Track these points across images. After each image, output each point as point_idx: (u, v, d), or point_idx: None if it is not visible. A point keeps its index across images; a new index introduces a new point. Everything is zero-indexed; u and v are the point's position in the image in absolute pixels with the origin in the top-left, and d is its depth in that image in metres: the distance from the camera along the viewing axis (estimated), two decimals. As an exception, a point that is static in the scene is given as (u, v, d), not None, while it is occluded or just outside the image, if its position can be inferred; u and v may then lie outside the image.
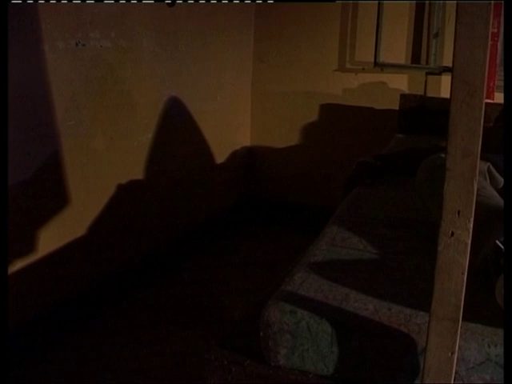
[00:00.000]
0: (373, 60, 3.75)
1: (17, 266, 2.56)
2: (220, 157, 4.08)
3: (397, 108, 3.57)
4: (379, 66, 3.76)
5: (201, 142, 3.84)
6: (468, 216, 0.99)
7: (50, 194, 2.72)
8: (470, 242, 1.01)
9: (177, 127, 3.57)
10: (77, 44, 2.73)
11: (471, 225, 1.00)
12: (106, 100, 2.97)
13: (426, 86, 3.72)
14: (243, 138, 4.35)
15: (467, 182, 0.98)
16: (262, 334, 1.33)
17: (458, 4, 0.95)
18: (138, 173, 3.30)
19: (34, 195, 2.62)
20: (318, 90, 4.07)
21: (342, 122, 4.04)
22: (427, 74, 3.72)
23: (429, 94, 3.67)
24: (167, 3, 3.30)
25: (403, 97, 3.55)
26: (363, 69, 3.88)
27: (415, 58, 3.80)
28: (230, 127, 4.19)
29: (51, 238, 2.74)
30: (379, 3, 3.65)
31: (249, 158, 4.41)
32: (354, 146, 3.94)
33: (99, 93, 2.92)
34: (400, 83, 3.79)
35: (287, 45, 4.11)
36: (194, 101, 3.68)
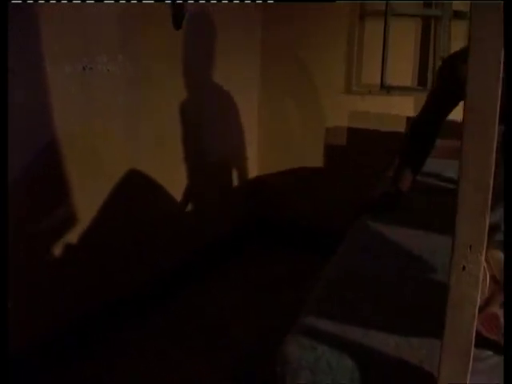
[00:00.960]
0: (379, 82, 3.75)
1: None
2: (228, 177, 4.09)
3: (403, 130, 3.56)
4: (386, 88, 3.76)
5: (208, 164, 3.84)
6: (479, 250, 0.98)
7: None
8: (481, 275, 0.99)
9: (184, 151, 3.57)
10: (84, 68, 2.74)
11: (483, 258, 0.99)
12: (114, 123, 2.98)
13: (432, 108, 3.72)
14: (250, 161, 4.35)
15: (479, 217, 0.97)
16: (279, 369, 1.29)
17: (470, 37, 0.95)
18: (146, 193, 3.30)
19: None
20: (325, 112, 4.07)
21: (348, 144, 4.04)
22: (433, 96, 3.72)
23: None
24: (173, 26, 3.32)
25: (409, 120, 3.53)
26: (370, 91, 3.89)
27: (421, 80, 3.80)
28: (238, 149, 4.20)
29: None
30: (385, 24, 3.66)
31: (257, 181, 4.41)
32: (361, 168, 3.93)
33: (108, 115, 2.94)
34: (406, 105, 3.78)
35: (294, 66, 4.12)
36: (200, 124, 3.69)
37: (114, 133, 3.01)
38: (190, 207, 3.67)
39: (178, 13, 3.32)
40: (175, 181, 3.52)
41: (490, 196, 0.96)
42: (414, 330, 1.33)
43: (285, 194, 4.37)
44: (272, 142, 4.34)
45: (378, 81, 3.75)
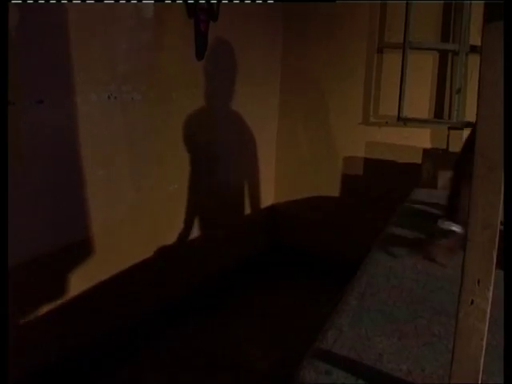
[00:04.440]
0: (396, 114, 3.81)
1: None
2: (245, 207, 4.15)
3: (419, 162, 3.61)
4: (402, 120, 3.81)
5: (225, 190, 3.90)
6: (487, 285, 1.03)
7: (77, 241, 2.79)
8: (489, 309, 1.04)
9: (202, 179, 3.64)
10: (109, 97, 2.82)
11: (490, 294, 1.03)
12: (136, 151, 3.06)
13: (448, 140, 3.77)
14: (267, 189, 4.41)
15: (487, 253, 1.02)
16: (294, 393, 1.34)
17: (479, 82, 1.00)
18: (165, 222, 3.37)
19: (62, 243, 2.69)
20: (342, 142, 4.14)
21: (365, 174, 4.09)
22: (449, 128, 3.77)
23: (451, 149, 3.71)
24: (197, 57, 3.41)
25: (426, 151, 3.58)
26: (386, 122, 3.95)
27: (438, 112, 3.85)
28: (255, 177, 4.26)
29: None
30: (403, 57, 3.72)
31: (272, 208, 4.47)
32: (376, 199, 3.98)
33: (130, 143, 3.01)
34: (423, 137, 3.84)
35: (312, 97, 4.20)
36: (218, 151, 3.76)
37: (136, 159, 3.08)
38: (205, 233, 3.73)
39: (201, 44, 3.42)
40: (192, 206, 3.58)
41: (498, 234, 1.02)
42: (427, 356, 1.37)
43: (300, 222, 4.42)
44: (289, 170, 4.40)
45: (395, 112, 3.81)
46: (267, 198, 4.44)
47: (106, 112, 2.84)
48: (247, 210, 4.20)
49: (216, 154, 3.74)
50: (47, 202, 2.58)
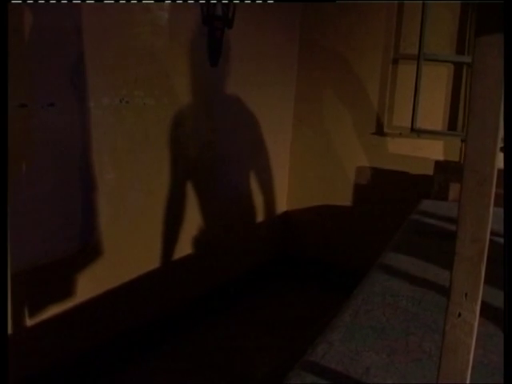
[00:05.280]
0: (410, 125, 3.80)
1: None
2: (257, 214, 4.16)
3: (431, 174, 3.60)
4: (416, 131, 3.81)
5: (237, 197, 3.91)
6: (475, 298, 1.02)
7: (87, 247, 2.81)
8: (476, 323, 1.04)
9: (214, 185, 3.65)
10: (121, 101, 2.84)
11: (478, 307, 1.03)
12: (147, 155, 3.08)
13: (461, 153, 3.75)
14: (280, 196, 4.42)
15: (475, 266, 1.01)
16: (282, 402, 1.34)
17: (470, 95, 1.00)
18: (176, 227, 3.38)
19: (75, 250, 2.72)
20: (355, 151, 4.13)
21: (377, 184, 4.08)
22: (463, 141, 3.75)
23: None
24: (210, 63, 3.43)
25: (438, 163, 3.57)
26: (400, 133, 3.94)
27: (452, 124, 3.84)
28: (268, 184, 4.27)
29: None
30: (418, 69, 3.72)
31: (285, 216, 4.47)
32: (388, 209, 3.98)
33: (140, 148, 3.03)
34: (436, 149, 3.83)
35: (327, 106, 4.20)
36: (231, 159, 3.77)
37: (146, 164, 3.10)
38: (217, 239, 3.74)
39: (215, 51, 3.44)
40: (204, 212, 3.59)
41: (486, 248, 1.01)
42: (414, 373, 1.37)
43: (312, 231, 4.41)
44: (302, 178, 4.40)
45: (409, 124, 3.80)
46: (280, 206, 4.44)
47: (117, 116, 2.85)
48: (260, 217, 4.21)
49: (229, 159, 3.75)
50: (58, 205, 2.60)
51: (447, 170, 3.48)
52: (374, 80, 4.00)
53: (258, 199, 4.17)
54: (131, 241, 3.06)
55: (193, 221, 3.52)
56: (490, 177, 1.00)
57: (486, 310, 1.30)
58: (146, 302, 3.21)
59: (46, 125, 2.48)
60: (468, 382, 1.06)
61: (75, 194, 2.70)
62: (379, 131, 4.02)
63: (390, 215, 3.90)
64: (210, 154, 3.56)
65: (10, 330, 2.41)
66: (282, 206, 4.47)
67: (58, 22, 2.45)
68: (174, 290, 3.43)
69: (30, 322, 2.55)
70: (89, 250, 2.82)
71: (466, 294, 1.03)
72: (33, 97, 2.40)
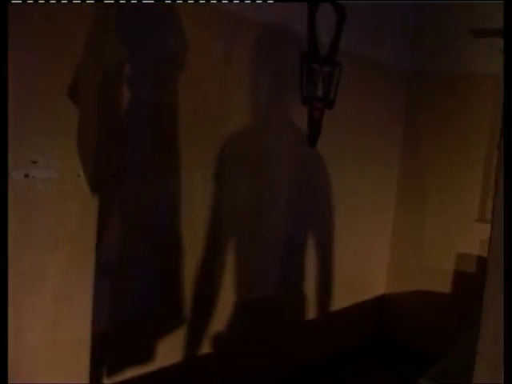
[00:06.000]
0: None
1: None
2: (355, 292, 4.11)
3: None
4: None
5: (335, 281, 3.88)
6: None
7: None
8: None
9: (312, 264, 3.65)
10: (216, 176, 2.93)
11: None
12: (237, 233, 3.13)
13: None
14: (379, 278, 4.34)
15: (495, 369, 0.96)
16: None
17: (496, 191, 0.97)
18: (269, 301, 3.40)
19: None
20: (457, 237, 4.01)
21: (478, 273, 3.92)
22: None
23: None
24: (309, 144, 3.47)
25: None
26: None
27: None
28: (366, 266, 4.22)
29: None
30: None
31: (383, 299, 4.38)
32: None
33: (231, 225, 3.10)
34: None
35: (429, 192, 4.13)
36: (329, 239, 3.77)
37: (238, 244, 3.16)
38: (314, 315, 3.71)
39: (314, 131, 3.49)
40: (301, 292, 3.58)
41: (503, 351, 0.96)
42: None
43: (410, 316, 4.28)
44: (402, 261, 4.31)
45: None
46: (378, 288, 4.36)
47: (208, 191, 2.93)
48: (355, 298, 4.14)
49: (327, 239, 3.74)
50: (143, 268, 2.69)
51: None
52: (479, 164, 3.91)
53: (358, 279, 4.12)
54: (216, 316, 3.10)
55: (295, 298, 3.54)
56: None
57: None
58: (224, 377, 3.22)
59: (136, 194, 2.60)
60: None
61: (158, 260, 2.78)
62: (482, 218, 3.89)
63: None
64: (305, 234, 3.57)
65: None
66: (381, 288, 4.38)
67: (151, 99, 2.59)
68: (261, 366, 3.41)
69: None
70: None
71: (487, 395, 0.98)
72: (123, 167, 2.53)
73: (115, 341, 2.61)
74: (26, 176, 2.18)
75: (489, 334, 0.96)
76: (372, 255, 4.27)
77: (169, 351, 2.86)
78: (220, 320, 3.12)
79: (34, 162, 2.20)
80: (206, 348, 3.06)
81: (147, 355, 2.77)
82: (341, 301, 4.01)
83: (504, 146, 0.98)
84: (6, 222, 1.32)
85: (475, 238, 3.92)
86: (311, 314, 3.74)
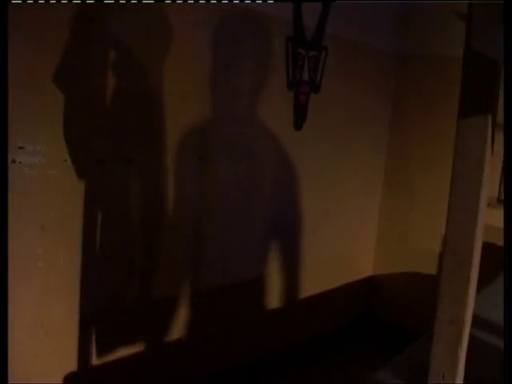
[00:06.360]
0: (496, 195, 3.71)
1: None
2: (341, 273, 4.17)
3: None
4: (502, 201, 3.70)
5: (322, 262, 3.93)
6: (452, 380, 1.02)
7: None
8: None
9: (301, 244, 3.70)
10: (200, 158, 2.97)
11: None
12: (224, 215, 3.18)
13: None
14: (366, 259, 4.40)
15: (452, 349, 1.01)
16: None
17: (451, 176, 1.01)
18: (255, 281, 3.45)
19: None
20: (443, 220, 4.04)
21: (463, 254, 3.98)
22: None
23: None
24: (295, 127, 3.51)
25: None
26: (488, 204, 3.83)
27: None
28: (354, 246, 4.27)
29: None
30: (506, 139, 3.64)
31: (369, 280, 4.44)
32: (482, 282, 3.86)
33: (218, 207, 3.14)
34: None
35: (416, 175, 4.18)
36: (316, 222, 3.81)
37: (221, 225, 3.21)
38: (299, 299, 3.77)
39: (300, 115, 3.52)
40: (293, 271, 3.64)
41: (465, 329, 1.01)
42: None
43: (396, 297, 4.35)
44: (390, 243, 4.37)
45: (496, 194, 3.71)
46: (366, 269, 4.42)
47: (194, 173, 2.98)
48: (344, 279, 4.21)
49: (315, 220, 3.80)
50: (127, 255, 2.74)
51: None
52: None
53: (344, 261, 4.17)
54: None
55: (283, 277, 3.60)
56: (470, 258, 1.00)
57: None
58: (225, 353, 3.28)
59: (123, 180, 2.64)
60: None
61: (144, 246, 2.82)
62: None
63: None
64: (291, 215, 3.62)
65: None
66: (368, 269, 4.45)
67: (138, 86, 2.63)
68: (250, 348, 3.48)
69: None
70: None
71: (443, 375, 1.02)
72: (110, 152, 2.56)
73: (102, 322, 2.66)
74: (13, 161, 2.21)
75: (446, 314, 1.01)
76: (360, 238, 4.32)
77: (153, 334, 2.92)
78: (208, 300, 3.17)
79: (21, 148, 2.23)
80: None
81: (131, 338, 2.83)
82: (329, 282, 4.07)
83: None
84: (6, 221, 1.34)
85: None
86: (300, 294, 3.80)
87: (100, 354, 2.67)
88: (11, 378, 2.23)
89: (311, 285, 3.88)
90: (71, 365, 2.56)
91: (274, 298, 3.60)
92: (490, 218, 3.76)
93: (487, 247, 3.78)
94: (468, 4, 0.98)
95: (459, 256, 1.00)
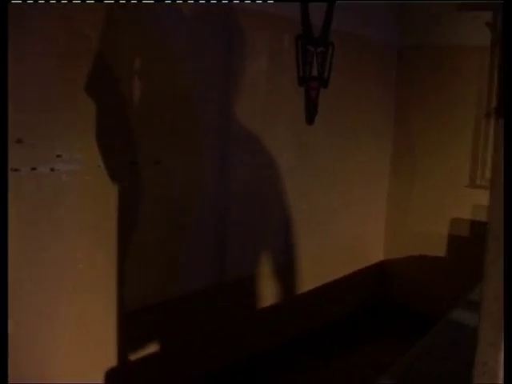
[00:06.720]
0: None
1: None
2: (351, 260, 4.30)
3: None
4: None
5: (332, 250, 4.07)
6: (499, 348, 1.15)
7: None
8: (502, 372, 1.16)
9: (310, 237, 3.84)
10: (221, 157, 3.10)
11: (502, 356, 1.15)
12: (242, 210, 3.32)
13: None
14: (375, 246, 4.54)
15: (498, 321, 1.15)
16: None
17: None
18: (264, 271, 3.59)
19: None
20: (450, 203, 4.20)
21: (471, 236, 4.12)
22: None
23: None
24: (307, 122, 3.64)
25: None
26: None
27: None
28: (364, 234, 4.41)
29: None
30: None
31: (379, 266, 4.58)
32: (482, 261, 3.99)
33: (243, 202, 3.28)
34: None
35: (421, 161, 4.32)
36: (328, 212, 3.95)
37: (242, 221, 3.34)
38: (312, 288, 3.90)
39: (311, 110, 3.65)
40: (302, 261, 3.78)
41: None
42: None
43: (406, 281, 4.50)
44: (399, 228, 4.51)
45: None
46: (376, 255, 4.56)
47: (216, 173, 3.11)
48: (355, 265, 4.34)
49: (327, 209, 3.94)
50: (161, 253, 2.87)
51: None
52: (466, 132, 4.09)
53: (355, 248, 4.31)
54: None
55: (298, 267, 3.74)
56: None
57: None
58: (234, 346, 3.42)
59: (149, 181, 2.77)
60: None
61: (169, 247, 2.96)
62: (472, 183, 4.09)
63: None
64: (305, 206, 3.74)
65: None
66: (378, 255, 4.58)
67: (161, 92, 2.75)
68: (263, 336, 3.61)
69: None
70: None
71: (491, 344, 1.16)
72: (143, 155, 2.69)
73: (138, 319, 2.79)
74: (52, 170, 2.34)
75: (491, 291, 1.15)
76: (370, 225, 4.46)
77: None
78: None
79: (58, 156, 2.35)
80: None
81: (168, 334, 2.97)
82: (341, 269, 4.20)
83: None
84: (6, 222, 1.39)
85: (467, 203, 4.12)
86: (313, 283, 3.93)
87: (138, 350, 2.80)
88: (52, 375, 2.38)
89: (325, 273, 4.01)
90: (112, 360, 2.69)
91: (290, 288, 3.72)
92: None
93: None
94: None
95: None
